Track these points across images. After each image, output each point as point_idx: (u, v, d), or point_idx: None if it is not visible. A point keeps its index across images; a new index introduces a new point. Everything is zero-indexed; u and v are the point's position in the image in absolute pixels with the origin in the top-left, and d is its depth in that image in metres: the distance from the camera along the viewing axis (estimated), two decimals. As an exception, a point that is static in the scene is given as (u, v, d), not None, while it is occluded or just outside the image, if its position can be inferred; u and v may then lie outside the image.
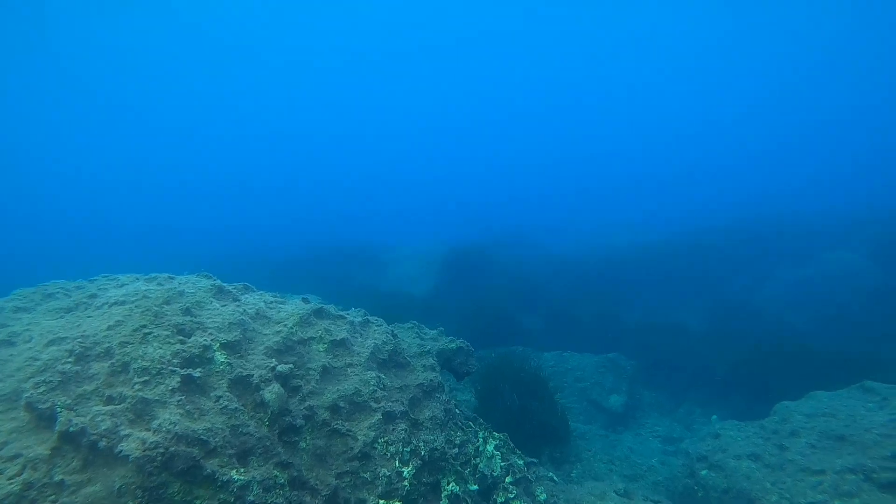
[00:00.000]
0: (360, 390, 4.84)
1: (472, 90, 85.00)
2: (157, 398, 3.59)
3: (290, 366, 4.58)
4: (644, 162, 73.76)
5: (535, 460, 6.32)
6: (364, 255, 25.69)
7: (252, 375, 4.28)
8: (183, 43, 62.35)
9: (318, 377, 4.78)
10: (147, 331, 4.20)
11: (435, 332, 6.88)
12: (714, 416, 11.45)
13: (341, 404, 4.67)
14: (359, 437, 4.50)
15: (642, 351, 13.63)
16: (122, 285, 5.29)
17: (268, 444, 3.94)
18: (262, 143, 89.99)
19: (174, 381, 3.77)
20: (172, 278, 5.53)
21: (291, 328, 5.02)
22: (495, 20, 68.66)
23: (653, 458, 9.38)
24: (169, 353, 4.01)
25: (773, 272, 19.16)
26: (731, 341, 13.64)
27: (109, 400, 3.53)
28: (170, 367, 3.87)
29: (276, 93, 79.92)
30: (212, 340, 4.38)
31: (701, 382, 12.37)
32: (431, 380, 5.50)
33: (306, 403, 4.50)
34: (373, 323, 5.86)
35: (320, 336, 5.17)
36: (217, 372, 4.18)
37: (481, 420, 6.80)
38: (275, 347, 4.74)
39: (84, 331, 4.17)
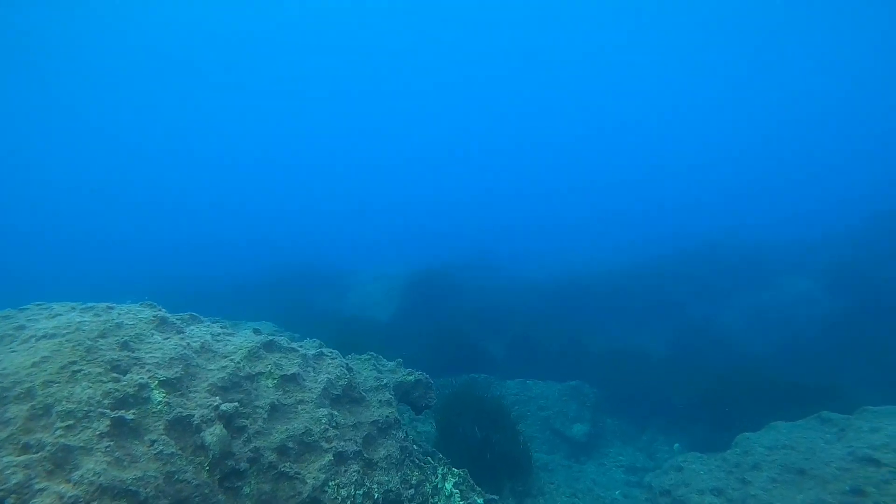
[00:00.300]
0: (311, 429, 4.57)
1: (437, 113, 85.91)
2: (81, 445, 3.27)
3: (236, 404, 4.29)
4: (607, 189, 75.25)
5: (495, 497, 6.10)
6: (326, 279, 25.24)
7: (192, 416, 3.99)
8: (140, 57, 61.32)
9: (265, 416, 4.51)
10: (77, 368, 3.88)
11: (393, 363, 6.65)
12: (676, 445, 11.45)
13: (290, 445, 4.40)
14: (308, 481, 4.24)
15: (606, 378, 13.60)
16: (54, 316, 4.92)
17: (206, 491, 3.66)
18: (222, 162, 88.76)
19: (103, 425, 3.46)
20: (112, 308, 5.18)
21: (239, 363, 4.74)
22: (459, 46, 69.81)
23: (616, 489, 9.25)
24: (100, 392, 3.70)
25: (732, 298, 19.54)
26: (692, 368, 13.74)
27: (25, 448, 3.20)
28: (99, 409, 3.56)
29: (236, 111, 79.13)
30: (149, 378, 4.07)
31: (663, 409, 12.38)
32: (387, 416, 5.27)
33: (252, 445, 4.22)
34: (327, 356, 5.60)
35: (270, 371, 4.90)
36: (154, 412, 3.87)
37: (440, 455, 6.57)
38: (219, 384, 4.45)
39: (4, 368, 3.82)
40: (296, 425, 4.56)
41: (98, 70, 60.62)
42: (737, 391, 11.19)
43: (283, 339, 5.48)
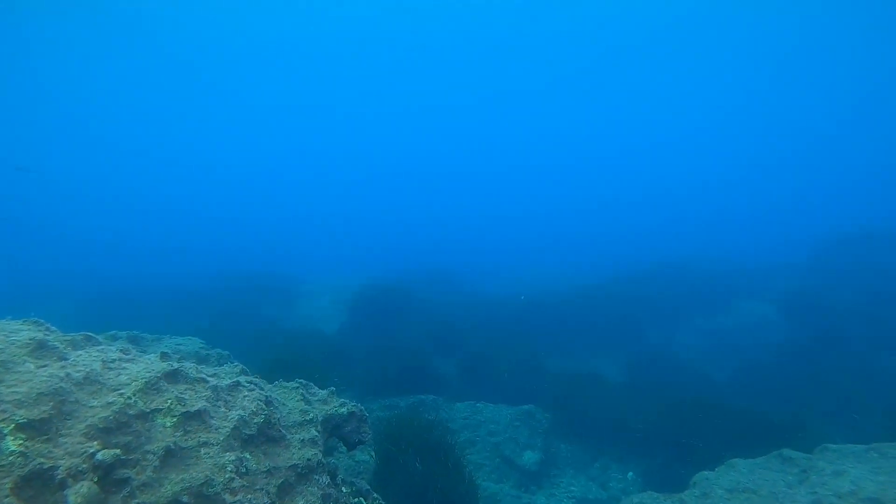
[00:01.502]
0: (213, 479, 3.86)
1: (399, 123, 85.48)
2: None
3: (117, 451, 3.56)
4: (568, 209, 76.05)
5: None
6: (273, 287, 24.17)
7: (57, 468, 3.25)
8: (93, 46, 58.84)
9: (157, 463, 3.77)
10: None
11: (325, 392, 5.96)
12: (630, 474, 11.04)
13: (184, 499, 3.67)
14: (202, 546, 3.54)
15: (560, 401, 13.16)
16: None
17: (61, 569, 2.93)
18: (172, 163, 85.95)
19: (-83, 490, 2.70)
20: (-20, 328, 4.37)
21: (129, 398, 4.00)
22: (430, 58, 69.78)
23: (565, 524, 8.74)
24: (-76, 444, 2.93)
25: (689, 321, 19.50)
26: (648, 393, 13.42)
27: None
28: (-84, 468, 2.79)
29: (176, 102, 76.76)
30: (3, 420, 3.31)
31: (618, 436, 11.97)
32: (309, 459, 4.59)
33: (135, 501, 3.49)
34: (244, 386, 4.89)
35: (169, 407, 4.16)
36: (2, 466, 3.12)
37: (375, 495, 5.92)
38: (101, 425, 3.71)
39: None
40: (194, 474, 3.84)
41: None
42: (693, 419, 10.87)
43: (191, 368, 4.76)
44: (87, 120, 74.27)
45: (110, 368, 4.40)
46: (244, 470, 4.10)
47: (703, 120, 77.66)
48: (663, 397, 12.77)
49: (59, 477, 3.23)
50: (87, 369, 4.16)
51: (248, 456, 4.26)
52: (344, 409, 5.74)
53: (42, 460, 3.25)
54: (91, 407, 3.86)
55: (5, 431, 3.27)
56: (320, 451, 4.88)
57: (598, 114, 79.58)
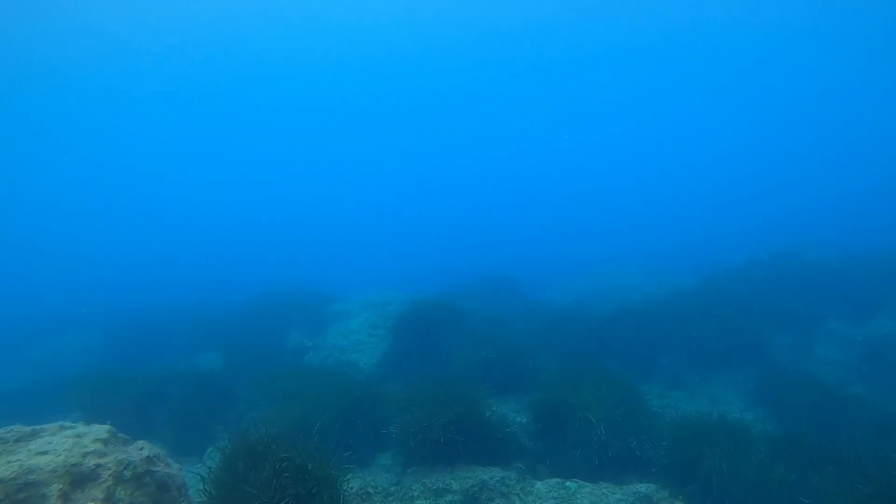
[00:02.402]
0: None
1: (436, 118, 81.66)
2: None
3: None
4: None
5: None
6: (303, 306, 20.64)
7: None
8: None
9: None
10: None
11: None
12: None
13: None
14: None
15: (684, 470, 9.01)
16: None
17: None
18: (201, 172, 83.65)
19: None
20: None
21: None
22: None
23: None
24: None
25: (824, 327, 14.94)
26: (810, 447, 9.07)
27: None
28: None
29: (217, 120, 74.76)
30: None
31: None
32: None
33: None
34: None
35: None
36: None
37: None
38: None
39: None
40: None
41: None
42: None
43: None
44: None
45: None
46: None
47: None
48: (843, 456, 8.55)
49: None
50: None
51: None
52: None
53: None
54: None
55: None
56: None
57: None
